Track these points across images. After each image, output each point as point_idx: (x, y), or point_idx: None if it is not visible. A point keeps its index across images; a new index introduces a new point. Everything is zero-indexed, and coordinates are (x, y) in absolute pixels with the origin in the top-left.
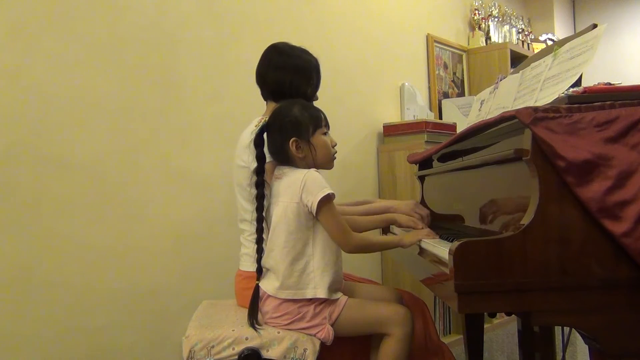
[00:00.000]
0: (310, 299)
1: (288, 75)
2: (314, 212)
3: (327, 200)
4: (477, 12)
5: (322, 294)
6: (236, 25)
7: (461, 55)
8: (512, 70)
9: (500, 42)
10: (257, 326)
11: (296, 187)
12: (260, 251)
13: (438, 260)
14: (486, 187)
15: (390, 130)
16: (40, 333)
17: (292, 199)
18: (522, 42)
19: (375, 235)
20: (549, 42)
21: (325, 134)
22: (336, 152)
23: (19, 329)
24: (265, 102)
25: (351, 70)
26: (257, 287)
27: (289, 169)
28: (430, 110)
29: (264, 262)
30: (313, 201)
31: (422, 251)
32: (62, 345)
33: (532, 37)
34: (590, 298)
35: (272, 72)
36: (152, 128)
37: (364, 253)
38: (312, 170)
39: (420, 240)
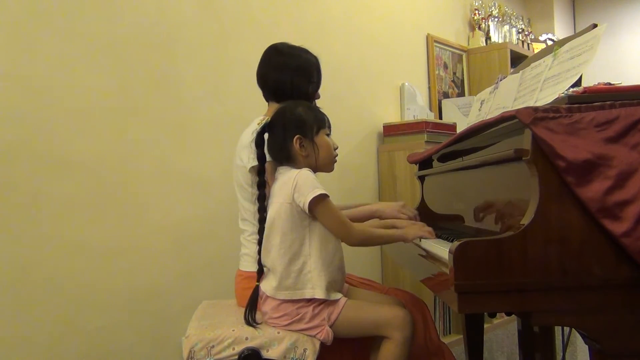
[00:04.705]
0: (309, 300)
1: (289, 75)
2: (307, 212)
3: (320, 198)
4: (477, 12)
5: (320, 294)
6: (236, 26)
7: (461, 55)
8: (512, 70)
9: (500, 42)
10: (254, 324)
11: (288, 187)
12: (261, 252)
13: (438, 260)
14: (486, 187)
15: (390, 130)
16: (39, 333)
17: (285, 199)
18: (522, 42)
19: (377, 228)
20: (549, 42)
21: (328, 135)
22: (337, 155)
23: (18, 329)
24: (267, 102)
25: (351, 70)
26: (256, 288)
27: (285, 169)
28: (430, 110)
29: (263, 262)
30: (304, 201)
31: (422, 251)
32: (62, 345)
33: (532, 37)
34: (590, 298)
35: (272, 73)
36: (152, 128)
37: (368, 246)
38: (304, 170)
39: (422, 236)
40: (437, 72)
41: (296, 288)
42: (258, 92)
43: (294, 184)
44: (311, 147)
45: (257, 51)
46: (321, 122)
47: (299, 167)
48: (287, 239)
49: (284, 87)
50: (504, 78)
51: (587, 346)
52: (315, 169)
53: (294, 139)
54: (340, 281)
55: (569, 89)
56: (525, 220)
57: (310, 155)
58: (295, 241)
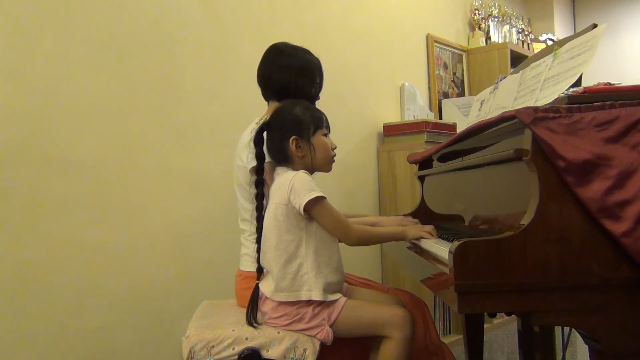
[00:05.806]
0: (308, 300)
1: (293, 76)
2: (302, 214)
3: (316, 200)
4: (477, 12)
5: (317, 295)
6: (236, 25)
7: (461, 55)
8: (512, 70)
9: (500, 42)
10: (255, 325)
11: (284, 189)
12: (260, 251)
13: (438, 260)
14: (486, 187)
15: (390, 130)
16: (40, 333)
17: (281, 200)
18: (522, 42)
19: (376, 227)
20: (549, 42)
21: (325, 135)
22: (335, 155)
23: (18, 329)
24: (266, 102)
25: (351, 70)
26: (256, 287)
27: (282, 169)
28: (430, 110)
29: (261, 263)
30: (300, 204)
31: (422, 251)
32: (62, 345)
33: (532, 37)
34: (590, 298)
35: (277, 73)
36: (152, 128)
37: (367, 245)
38: (301, 172)
39: (422, 237)
40: (437, 72)
41: (292, 290)
42: (258, 92)
43: (290, 186)
44: (307, 148)
45: (257, 51)
46: (319, 122)
47: (295, 167)
48: (283, 241)
49: (288, 87)
50: (504, 78)
51: (587, 346)
52: (311, 170)
53: (290, 140)
54: (338, 282)
55: (568, 89)
56: (525, 220)
57: (306, 156)
58: (292, 243)
